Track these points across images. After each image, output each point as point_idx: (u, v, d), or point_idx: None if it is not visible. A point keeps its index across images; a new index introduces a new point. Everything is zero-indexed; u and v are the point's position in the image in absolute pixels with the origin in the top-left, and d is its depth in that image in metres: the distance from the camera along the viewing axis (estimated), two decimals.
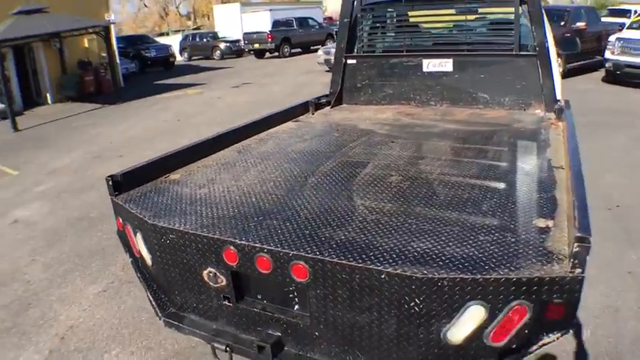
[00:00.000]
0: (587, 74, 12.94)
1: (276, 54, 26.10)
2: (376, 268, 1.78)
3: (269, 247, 2.00)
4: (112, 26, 16.86)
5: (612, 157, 6.58)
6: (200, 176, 3.00)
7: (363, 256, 1.86)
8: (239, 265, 2.12)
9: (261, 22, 29.13)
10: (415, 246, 1.91)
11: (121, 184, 2.78)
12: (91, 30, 14.75)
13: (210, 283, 2.29)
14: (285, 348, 2.19)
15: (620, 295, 3.57)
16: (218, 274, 2.23)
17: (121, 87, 17.48)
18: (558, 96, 4.13)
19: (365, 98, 4.87)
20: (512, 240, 1.90)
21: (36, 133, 11.68)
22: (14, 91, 14.60)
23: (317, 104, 4.80)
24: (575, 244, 1.64)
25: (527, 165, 2.80)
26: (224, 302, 2.30)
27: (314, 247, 1.95)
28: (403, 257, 1.83)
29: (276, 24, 26.98)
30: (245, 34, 27.89)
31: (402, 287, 1.76)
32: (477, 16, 4.59)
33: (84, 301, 4.06)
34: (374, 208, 2.30)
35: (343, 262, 1.84)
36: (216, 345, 2.35)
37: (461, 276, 1.70)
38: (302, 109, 4.66)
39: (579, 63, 12.49)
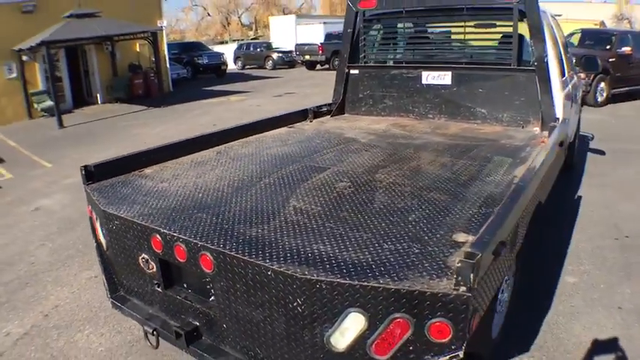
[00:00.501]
0: (633, 101, 12.35)
1: (327, 66, 26.37)
2: (264, 264, 1.82)
3: (183, 237, 2.09)
4: (164, 32, 17.63)
5: (638, 186, 6.23)
6: (169, 172, 3.15)
7: (260, 252, 1.90)
8: (163, 253, 2.23)
9: (314, 34, 29.56)
10: (315, 248, 1.93)
11: (94, 174, 2.97)
12: (141, 35, 15.44)
13: (145, 269, 2.41)
14: (203, 337, 2.26)
15: (602, 331, 3.30)
16: (150, 260, 2.36)
17: (169, 91, 18.18)
18: (559, 114, 4.01)
19: (366, 109, 4.90)
20: (417, 251, 1.87)
21: (79, 130, 12.31)
22: (65, 91, 15.49)
23: (318, 112, 4.89)
24: (458, 260, 1.57)
25: (486, 180, 2.75)
26: (156, 288, 2.41)
27: (222, 241, 2.03)
28: (296, 257, 1.86)
29: (328, 37, 27.25)
30: (297, 45, 28.41)
31: (286, 286, 1.78)
32: (476, 29, 4.54)
33: (75, 284, 4.28)
34: (302, 210, 2.35)
35: (238, 255, 1.90)
36: (146, 328, 2.46)
37: (338, 280, 1.68)
38: (301, 116, 4.76)
39: (625, 89, 11.98)
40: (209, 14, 58.74)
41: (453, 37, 4.70)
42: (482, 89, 4.24)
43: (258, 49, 30.60)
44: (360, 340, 1.72)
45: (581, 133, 8.60)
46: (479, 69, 4.28)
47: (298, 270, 1.76)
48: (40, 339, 3.50)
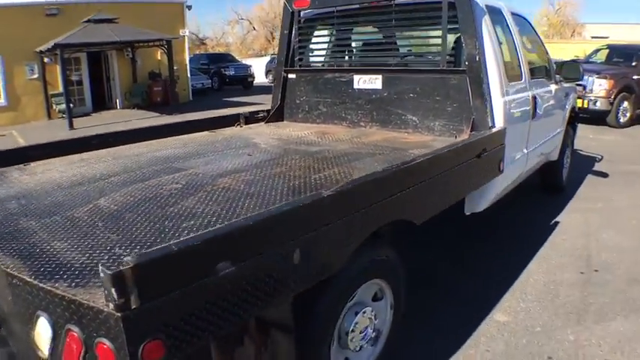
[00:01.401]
0: None
1: None
2: None
3: None
4: (186, 41, 17.85)
5: (632, 212, 5.51)
6: (43, 167, 3.10)
7: (5, 242, 1.86)
8: None
9: None
10: (53, 244, 1.85)
11: None
12: (157, 43, 15.67)
13: None
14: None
15: None
16: None
17: (188, 100, 18.38)
18: (498, 122, 3.55)
19: (303, 115, 4.62)
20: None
21: (86, 132, 12.45)
22: (86, 94, 15.97)
23: (253, 118, 4.69)
24: (101, 268, 1.26)
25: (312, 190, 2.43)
26: None
27: None
28: (27, 250, 1.80)
29: None
30: None
31: (1, 278, 1.66)
32: (408, 27, 4.15)
33: None
34: (97, 208, 2.28)
35: None
36: None
37: (24, 277, 1.53)
38: (232, 120, 4.61)
39: None
40: (254, 28, 59.61)
41: (386, 37, 4.31)
42: (412, 94, 3.86)
43: None
44: (54, 351, 1.50)
45: (589, 153, 7.93)
46: (408, 71, 3.91)
47: (8, 262, 1.66)
48: None
